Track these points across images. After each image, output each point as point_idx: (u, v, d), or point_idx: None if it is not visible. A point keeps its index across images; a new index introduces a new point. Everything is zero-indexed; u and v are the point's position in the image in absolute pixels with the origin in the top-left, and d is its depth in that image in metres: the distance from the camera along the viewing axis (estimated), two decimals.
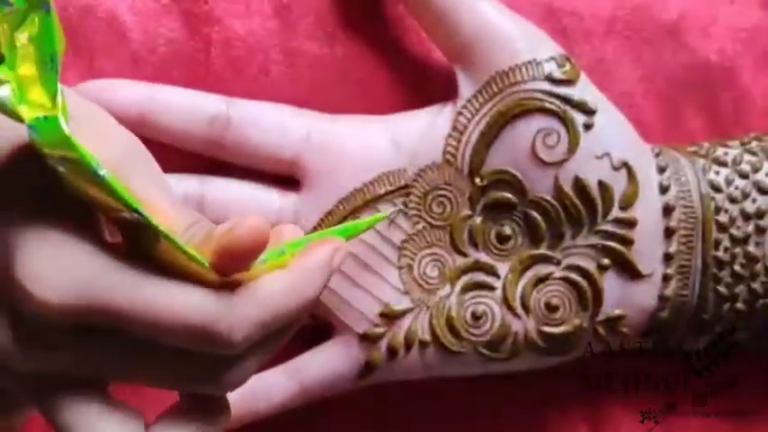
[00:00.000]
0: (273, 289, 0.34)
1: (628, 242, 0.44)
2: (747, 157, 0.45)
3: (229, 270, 0.33)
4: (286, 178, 0.45)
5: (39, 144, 0.32)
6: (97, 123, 0.36)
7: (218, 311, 0.33)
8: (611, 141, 0.44)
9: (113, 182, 0.32)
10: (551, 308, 0.44)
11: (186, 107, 0.44)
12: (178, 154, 0.45)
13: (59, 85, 0.32)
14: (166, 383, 0.35)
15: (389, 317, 0.45)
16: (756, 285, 0.45)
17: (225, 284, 0.34)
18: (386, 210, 0.44)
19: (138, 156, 0.37)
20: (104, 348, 0.34)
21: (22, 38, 0.32)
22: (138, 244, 0.34)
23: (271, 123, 0.45)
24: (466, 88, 0.45)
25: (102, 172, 0.31)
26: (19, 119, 0.32)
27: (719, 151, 0.46)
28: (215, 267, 0.33)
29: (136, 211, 0.32)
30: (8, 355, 0.34)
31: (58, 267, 0.33)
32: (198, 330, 0.33)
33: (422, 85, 0.47)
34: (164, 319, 0.33)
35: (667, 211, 0.44)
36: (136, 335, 0.33)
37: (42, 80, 0.32)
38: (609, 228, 0.44)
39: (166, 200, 0.36)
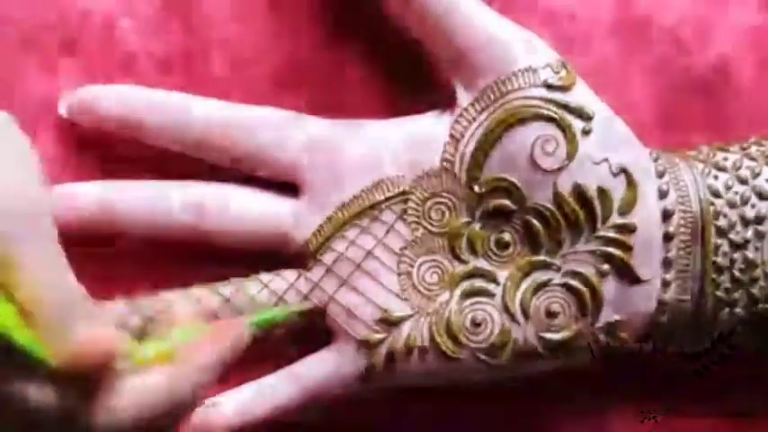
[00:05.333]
0: (146, 390, 0.33)
1: (627, 248, 0.44)
2: (747, 162, 0.45)
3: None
4: (285, 184, 0.45)
5: None
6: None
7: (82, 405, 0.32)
8: (610, 147, 0.44)
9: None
10: (551, 314, 0.44)
11: (183, 111, 0.45)
12: (177, 159, 0.45)
13: None
14: None
15: (389, 323, 0.45)
16: (755, 290, 0.45)
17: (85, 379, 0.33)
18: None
19: (30, 212, 0.33)
20: None
21: None
22: None
23: (270, 128, 0.45)
24: (463, 97, 0.44)
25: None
26: None
27: (719, 156, 0.46)
28: (61, 367, 0.32)
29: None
30: None
31: None
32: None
33: (421, 90, 0.47)
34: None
35: (666, 216, 0.44)
36: None
37: None
38: (608, 233, 0.44)
39: (46, 272, 0.32)
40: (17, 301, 0.32)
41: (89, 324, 0.32)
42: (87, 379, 0.32)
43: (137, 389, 0.33)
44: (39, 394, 0.32)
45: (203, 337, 0.36)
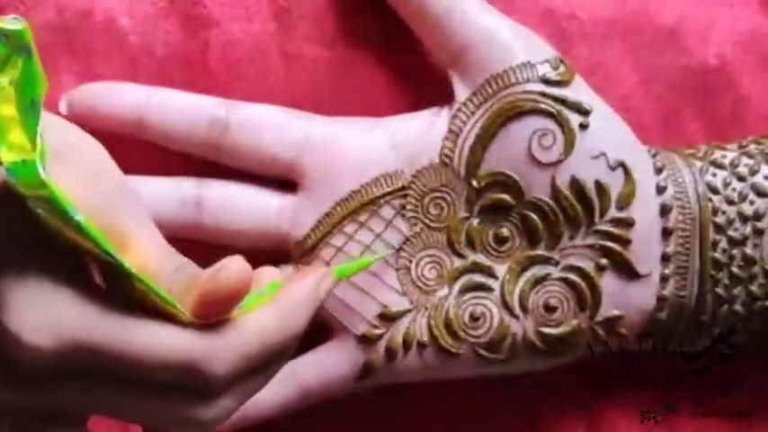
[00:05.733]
0: (257, 323, 0.35)
1: (625, 242, 0.44)
2: (745, 159, 0.45)
3: (212, 316, 0.34)
4: (284, 180, 0.45)
5: (16, 187, 0.32)
6: (87, 160, 0.36)
7: (201, 348, 0.33)
8: (607, 141, 0.44)
9: (88, 226, 0.32)
10: (550, 309, 0.44)
11: (184, 109, 0.45)
12: (176, 156, 0.45)
13: (42, 122, 0.32)
14: (149, 422, 0.36)
15: (388, 318, 0.45)
16: (754, 287, 0.45)
17: (206, 324, 0.34)
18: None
19: (127, 196, 0.37)
20: (88, 389, 0.34)
21: (4, 81, 0.32)
22: (119, 286, 0.35)
23: (269, 125, 0.45)
24: (461, 92, 0.45)
25: (76, 217, 0.32)
26: None
27: (717, 154, 0.46)
28: (198, 314, 0.33)
29: (110, 255, 0.32)
30: None
31: (47, 313, 0.33)
32: (181, 367, 0.33)
33: (420, 87, 0.47)
34: (148, 358, 0.33)
35: (664, 211, 0.44)
36: (122, 375, 0.34)
37: (23, 123, 0.32)
38: (606, 228, 0.44)
39: (153, 243, 0.36)
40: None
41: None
42: (216, 324, 0.34)
43: (254, 325, 0.35)
44: (174, 336, 0.34)
45: (295, 277, 0.38)
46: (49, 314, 0.33)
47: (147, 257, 0.35)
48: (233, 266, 0.33)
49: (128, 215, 0.36)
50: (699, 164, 0.45)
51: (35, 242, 0.34)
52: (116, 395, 0.34)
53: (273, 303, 0.36)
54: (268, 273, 0.37)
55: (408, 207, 0.45)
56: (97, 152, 0.37)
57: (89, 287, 0.34)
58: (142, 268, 0.34)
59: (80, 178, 0.34)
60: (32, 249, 0.34)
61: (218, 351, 0.34)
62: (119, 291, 0.35)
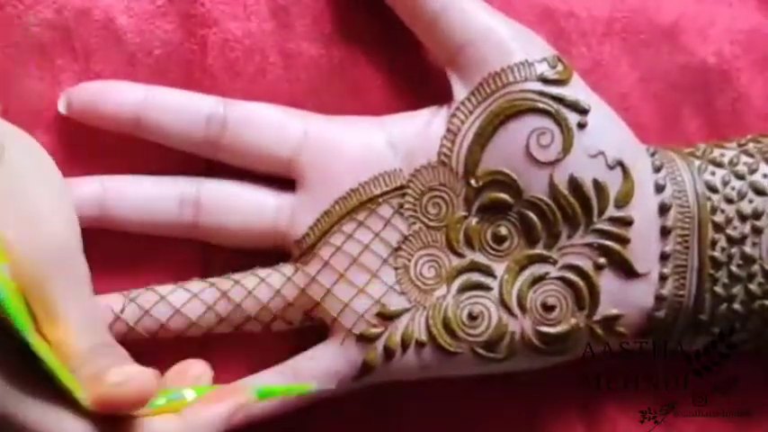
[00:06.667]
0: (159, 430, 0.35)
1: (624, 241, 0.44)
2: (744, 158, 0.45)
3: (110, 414, 0.34)
4: (282, 179, 0.45)
5: None
6: (39, 203, 0.37)
7: None
8: (606, 140, 0.44)
9: (8, 303, 0.32)
10: (548, 307, 0.44)
11: (182, 108, 0.44)
12: (174, 155, 0.45)
13: None
14: None
15: (386, 317, 0.45)
16: (753, 286, 0.44)
17: (108, 417, 0.34)
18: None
19: (69, 254, 0.37)
20: None
21: None
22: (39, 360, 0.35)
23: (267, 124, 0.45)
24: (459, 90, 0.45)
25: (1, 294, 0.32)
26: None
27: (716, 152, 0.46)
28: (95, 409, 0.34)
29: (21, 333, 0.33)
30: None
31: None
32: None
33: (418, 86, 0.47)
34: None
35: (663, 210, 0.44)
36: None
37: None
38: (605, 226, 0.44)
39: (80, 315, 0.36)
40: (52, 340, 0.34)
41: (121, 365, 0.34)
42: (118, 418, 0.34)
43: (156, 431, 0.35)
44: (73, 426, 0.34)
45: (212, 395, 0.38)
46: None
47: (69, 332, 0.35)
48: (138, 379, 0.33)
49: (62, 278, 0.36)
50: (698, 162, 0.45)
51: None
52: None
53: (182, 417, 0.36)
54: (196, 368, 0.38)
55: (407, 206, 0.45)
56: (55, 188, 0.38)
57: (7, 357, 0.35)
58: (61, 343, 0.35)
59: (22, 223, 0.35)
60: None
61: None
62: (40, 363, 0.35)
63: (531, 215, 0.44)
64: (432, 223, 0.45)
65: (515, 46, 0.44)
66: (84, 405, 0.34)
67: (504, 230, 0.45)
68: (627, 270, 0.44)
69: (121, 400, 0.33)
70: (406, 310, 0.45)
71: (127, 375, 0.33)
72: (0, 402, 0.34)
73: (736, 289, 0.45)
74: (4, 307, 0.32)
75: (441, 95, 0.46)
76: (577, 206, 0.44)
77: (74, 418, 0.34)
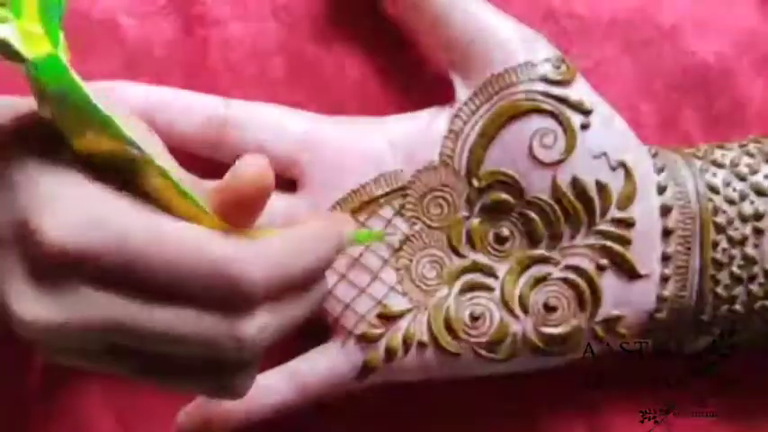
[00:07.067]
0: (291, 235, 0.35)
1: (626, 242, 0.44)
2: (745, 159, 0.45)
3: (239, 216, 0.34)
4: (283, 179, 0.45)
5: (40, 81, 0.32)
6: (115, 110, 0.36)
7: (234, 250, 0.33)
8: (608, 141, 0.44)
9: (110, 116, 0.33)
10: (550, 308, 0.44)
11: (183, 108, 0.44)
12: (175, 154, 0.45)
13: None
14: (188, 344, 0.34)
15: (387, 318, 0.45)
16: (755, 287, 0.44)
17: (236, 230, 0.34)
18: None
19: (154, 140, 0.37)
20: (117, 304, 0.33)
21: None
22: (134, 194, 0.35)
23: (268, 124, 0.45)
24: (462, 91, 0.45)
25: (99, 105, 0.33)
26: (20, 57, 0.32)
27: (717, 153, 0.46)
28: (225, 212, 0.34)
29: (136, 147, 0.33)
30: (24, 306, 0.33)
31: (71, 210, 0.33)
32: (213, 270, 0.33)
33: (420, 86, 0.47)
34: (179, 255, 0.33)
35: (665, 211, 0.44)
36: (150, 280, 0.33)
37: (45, 21, 0.33)
38: (607, 228, 0.44)
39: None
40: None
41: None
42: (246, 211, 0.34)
43: (288, 236, 0.35)
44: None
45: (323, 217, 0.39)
46: (73, 211, 0.33)
47: (170, 168, 0.35)
48: (252, 161, 0.33)
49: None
50: (699, 163, 0.45)
51: (61, 152, 0.34)
52: (145, 312, 0.33)
53: (303, 225, 0.36)
54: (279, 202, 0.39)
55: (408, 207, 0.45)
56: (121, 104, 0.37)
57: (115, 189, 0.34)
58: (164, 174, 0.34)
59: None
60: (58, 158, 0.34)
61: (251, 254, 0.33)
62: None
63: (534, 216, 0.44)
64: (433, 224, 0.45)
65: (518, 46, 0.44)
66: (211, 222, 0.34)
67: (506, 231, 0.45)
68: (628, 271, 0.44)
69: (247, 185, 0.33)
70: (408, 311, 0.45)
71: (238, 163, 0.33)
72: (114, 233, 0.33)
73: (738, 290, 0.45)
74: (114, 127, 0.33)
75: (442, 96, 0.46)
76: (580, 207, 0.44)
77: (204, 231, 0.33)
